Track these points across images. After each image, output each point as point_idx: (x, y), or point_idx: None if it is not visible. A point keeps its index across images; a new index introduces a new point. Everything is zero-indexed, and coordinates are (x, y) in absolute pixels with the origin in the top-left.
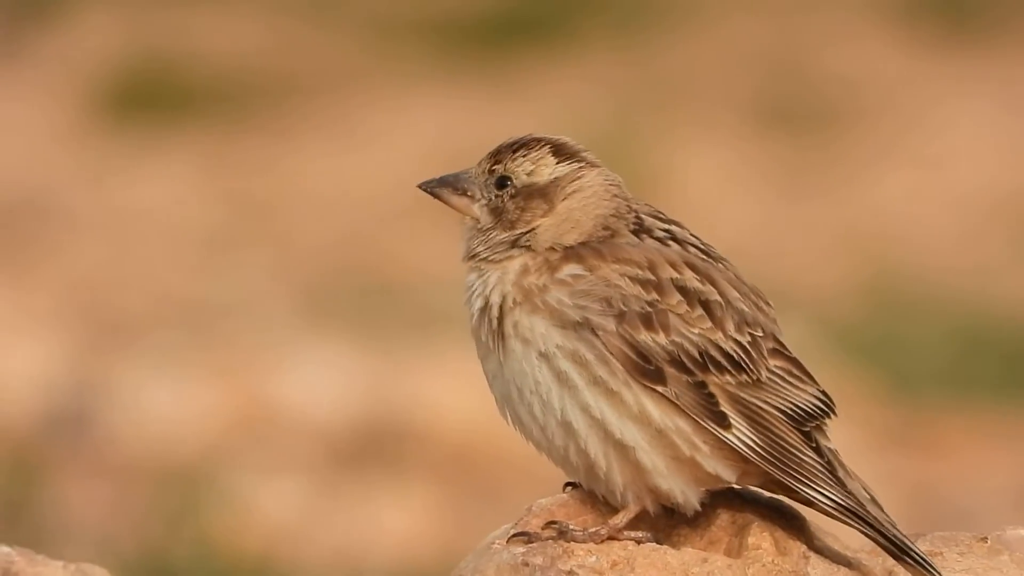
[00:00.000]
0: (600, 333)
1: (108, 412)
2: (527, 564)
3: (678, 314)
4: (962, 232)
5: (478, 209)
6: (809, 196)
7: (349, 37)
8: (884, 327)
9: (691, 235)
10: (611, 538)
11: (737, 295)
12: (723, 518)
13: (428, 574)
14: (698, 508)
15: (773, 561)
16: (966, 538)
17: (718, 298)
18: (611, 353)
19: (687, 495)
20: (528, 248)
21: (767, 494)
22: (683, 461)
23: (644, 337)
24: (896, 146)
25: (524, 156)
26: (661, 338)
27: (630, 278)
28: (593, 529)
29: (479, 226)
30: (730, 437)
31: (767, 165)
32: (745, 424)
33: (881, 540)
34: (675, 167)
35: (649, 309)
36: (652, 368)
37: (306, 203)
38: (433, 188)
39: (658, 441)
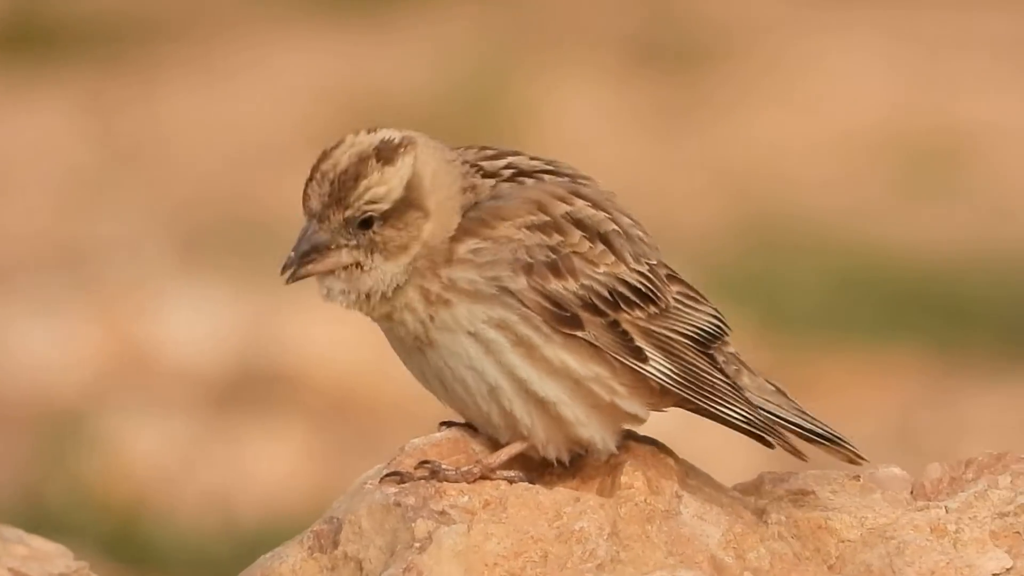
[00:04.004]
0: (515, 291)
1: None
2: (399, 504)
3: (581, 253)
4: (837, 170)
5: (348, 255)
6: (685, 136)
7: None
8: (759, 267)
9: (530, 159)
10: (484, 478)
11: (629, 221)
12: (595, 458)
13: (303, 516)
14: (614, 452)
15: (646, 500)
16: (838, 476)
17: (615, 226)
18: (528, 308)
19: (606, 441)
20: (416, 262)
21: (641, 433)
22: (602, 408)
23: (555, 286)
24: (772, 87)
25: (368, 184)
26: (571, 284)
27: (527, 228)
28: (465, 468)
29: (363, 268)
30: (649, 369)
31: (642, 105)
32: (660, 355)
33: (789, 447)
34: (549, 107)
35: (554, 256)
36: (568, 315)
37: (182, 144)
38: (298, 267)
39: (577, 392)
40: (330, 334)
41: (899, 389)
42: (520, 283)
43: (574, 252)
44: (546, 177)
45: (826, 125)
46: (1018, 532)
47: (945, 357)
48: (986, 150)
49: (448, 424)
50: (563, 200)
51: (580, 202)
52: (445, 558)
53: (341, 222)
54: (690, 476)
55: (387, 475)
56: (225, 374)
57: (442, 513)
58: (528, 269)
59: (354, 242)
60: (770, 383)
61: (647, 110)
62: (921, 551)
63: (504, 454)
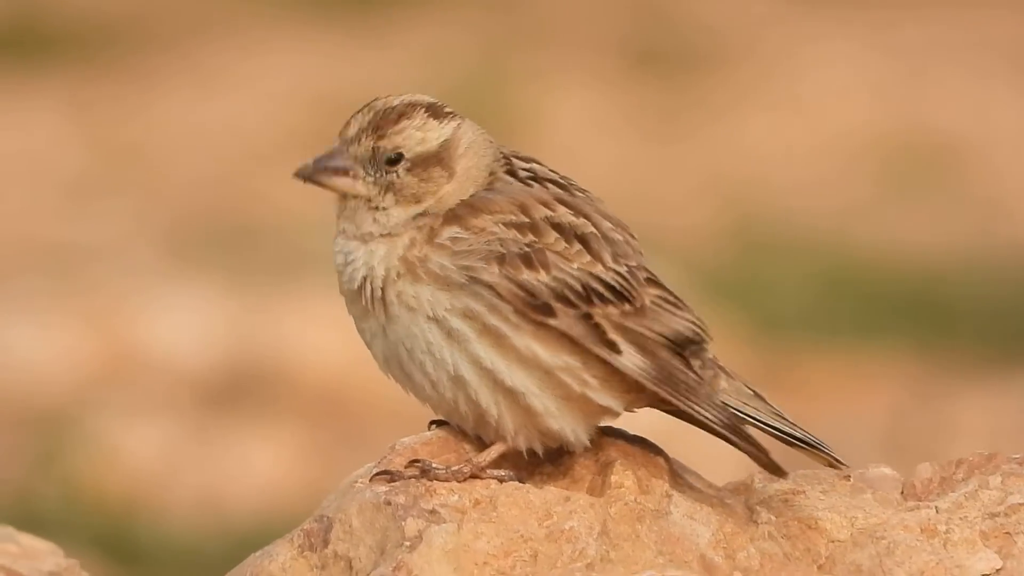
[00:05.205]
0: (487, 279)
1: None
2: (389, 503)
3: (556, 251)
4: (826, 174)
5: (363, 187)
6: (676, 139)
7: None
8: (749, 270)
9: (550, 171)
10: (474, 477)
11: (610, 225)
12: (586, 457)
13: (294, 515)
14: (587, 445)
15: (636, 500)
16: (829, 476)
17: (593, 230)
18: (500, 295)
19: (577, 433)
20: (427, 215)
21: (631, 432)
22: (573, 399)
23: (526, 277)
24: (762, 89)
25: (409, 125)
26: (543, 276)
27: (504, 224)
28: (456, 467)
29: (371, 204)
30: (623, 361)
31: (634, 108)
32: (633, 349)
33: (764, 459)
34: (542, 110)
35: (527, 249)
36: (540, 303)
37: (171, 147)
38: (311, 176)
39: (547, 382)
40: (320, 333)
41: (887, 390)
42: (493, 273)
43: (548, 249)
44: (549, 185)
45: (815, 129)
46: (1008, 532)
47: (932, 358)
48: (970, 154)
49: (438, 423)
50: (546, 205)
51: (562, 209)
52: (435, 557)
53: (369, 150)
54: (680, 475)
55: (377, 474)
56: (215, 374)
57: (432, 512)
58: (500, 259)
59: (371, 178)
60: (749, 388)
61: (640, 114)
62: (911, 551)
63: (494, 452)
